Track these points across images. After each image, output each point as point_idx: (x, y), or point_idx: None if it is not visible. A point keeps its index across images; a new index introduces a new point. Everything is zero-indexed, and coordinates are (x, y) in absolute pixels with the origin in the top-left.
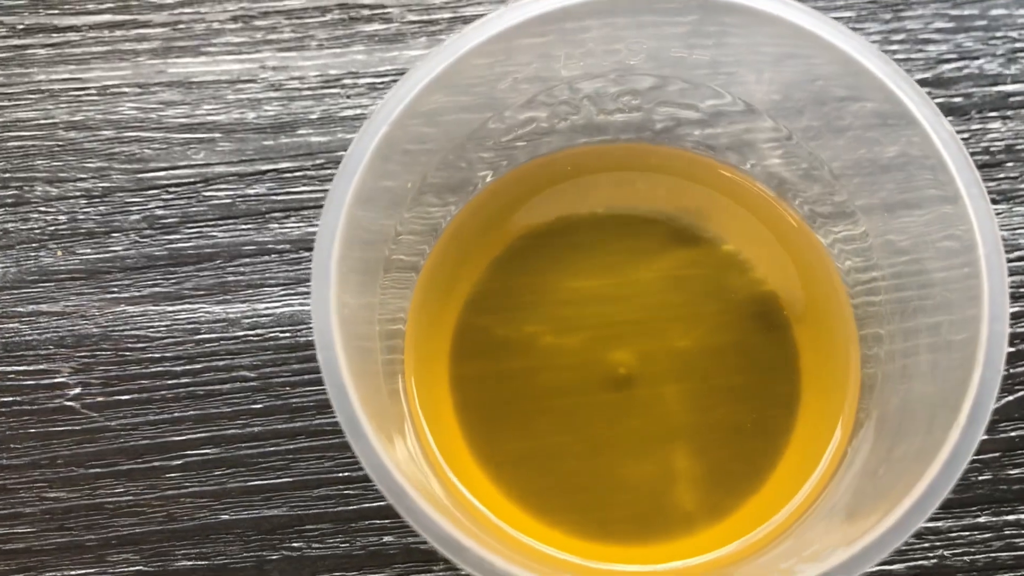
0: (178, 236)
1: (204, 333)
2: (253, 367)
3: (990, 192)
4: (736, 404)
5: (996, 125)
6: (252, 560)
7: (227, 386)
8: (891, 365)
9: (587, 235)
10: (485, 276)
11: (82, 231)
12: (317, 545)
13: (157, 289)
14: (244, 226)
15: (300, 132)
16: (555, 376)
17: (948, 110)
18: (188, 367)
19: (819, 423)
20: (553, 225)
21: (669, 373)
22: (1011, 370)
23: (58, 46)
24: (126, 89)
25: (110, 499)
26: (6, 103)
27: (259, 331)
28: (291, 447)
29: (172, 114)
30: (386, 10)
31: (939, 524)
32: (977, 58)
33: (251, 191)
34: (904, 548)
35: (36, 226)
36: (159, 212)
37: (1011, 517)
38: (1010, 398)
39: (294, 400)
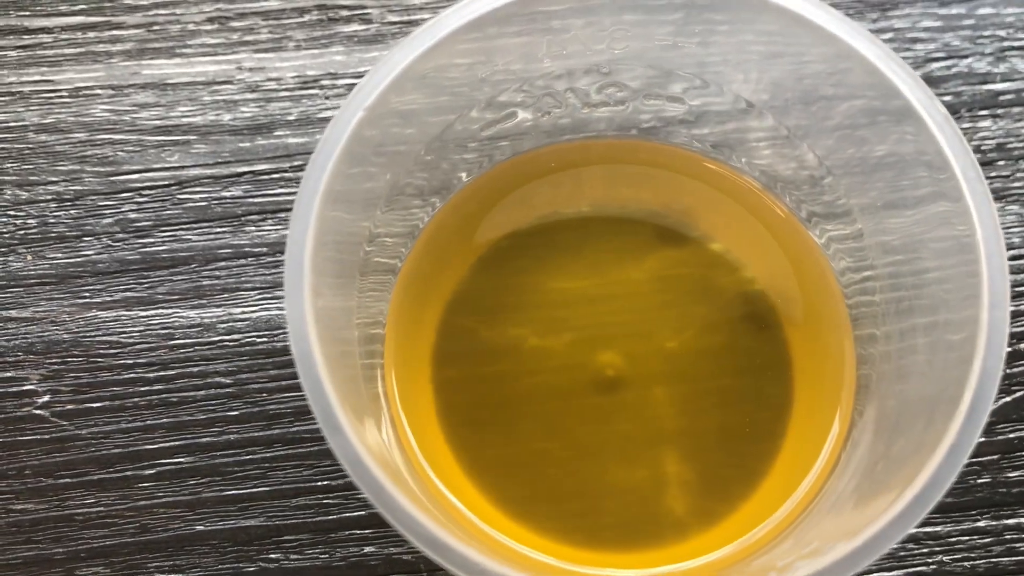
0: (152, 240)
1: (178, 338)
2: (229, 373)
3: None
4: (728, 406)
5: (986, 123)
6: (228, 572)
7: (202, 393)
8: (887, 365)
9: (572, 234)
10: (467, 277)
11: (53, 235)
12: (295, 556)
13: (130, 294)
14: (219, 229)
15: (277, 134)
16: (541, 379)
17: None
18: (161, 373)
19: (813, 424)
20: (537, 224)
21: (658, 375)
22: (1008, 371)
23: (29, 48)
24: (99, 91)
25: (80, 510)
26: None
27: (235, 336)
28: (268, 455)
29: (146, 116)
30: (365, 11)
31: (938, 529)
32: (966, 57)
33: (227, 193)
34: (903, 554)
35: (5, 230)
36: (132, 215)
37: (1011, 521)
38: (1008, 399)
39: (271, 407)
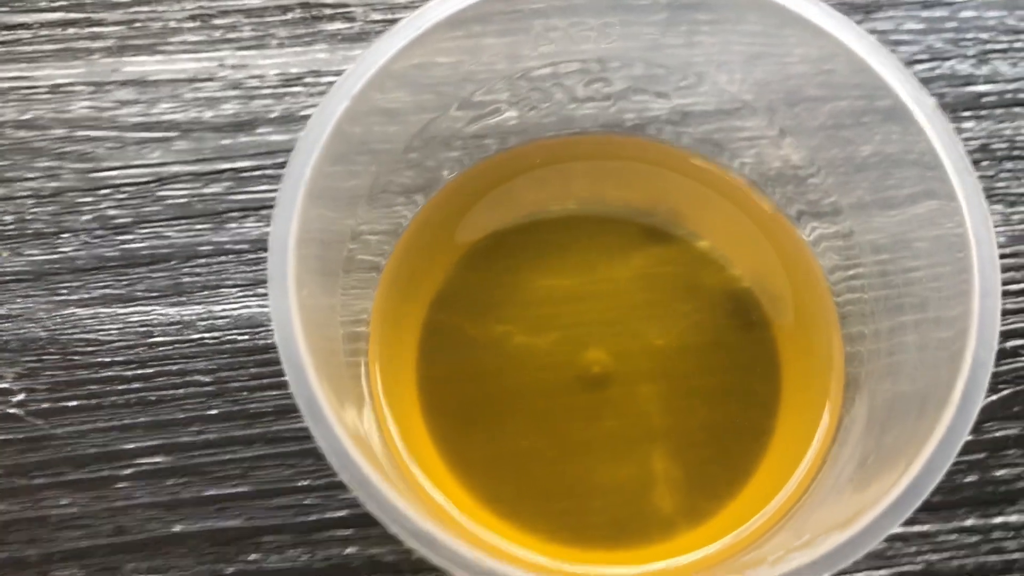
0: (131, 236)
1: (157, 336)
2: (209, 371)
3: None
4: (715, 404)
5: (970, 124)
6: (206, 573)
7: (181, 391)
8: (876, 362)
9: (558, 232)
10: (452, 274)
11: (29, 232)
12: (276, 557)
13: (108, 291)
14: (200, 226)
15: (260, 131)
16: (527, 377)
17: None
18: (140, 371)
19: (802, 421)
20: (522, 221)
21: (645, 373)
22: (995, 370)
23: (7, 44)
24: (79, 88)
25: (54, 511)
26: None
27: (215, 334)
28: (248, 455)
29: (126, 113)
30: (349, 9)
31: (926, 528)
32: (949, 59)
33: (208, 190)
34: (891, 553)
35: None
36: (111, 212)
37: (999, 520)
38: (994, 397)
39: (252, 405)
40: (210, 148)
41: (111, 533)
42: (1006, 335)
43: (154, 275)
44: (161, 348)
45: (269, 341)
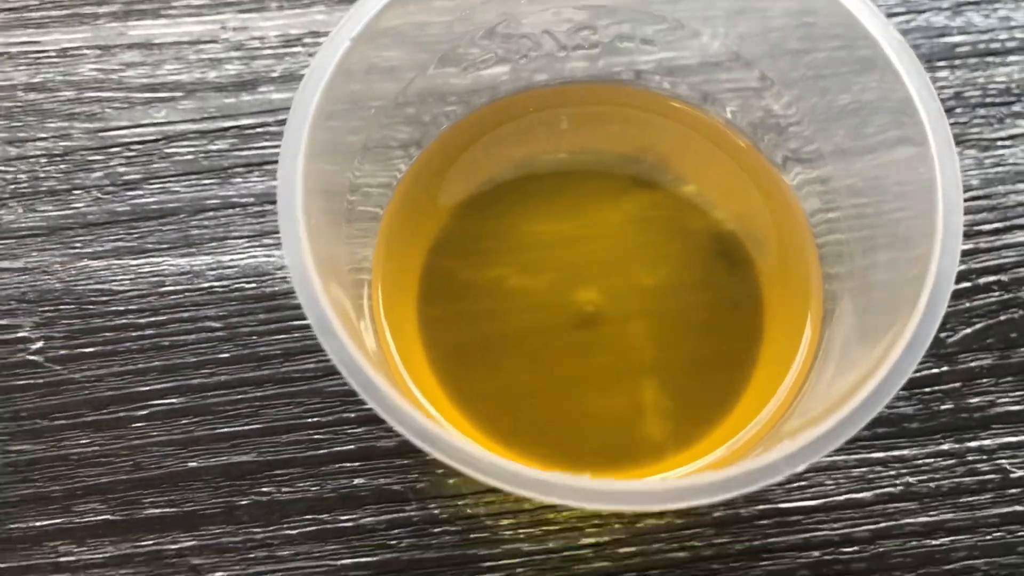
0: (141, 192)
1: (168, 285)
2: (219, 317)
3: None
4: (702, 338)
5: (944, 74)
6: (221, 506)
7: (192, 336)
8: (852, 297)
9: (550, 178)
10: (448, 222)
11: (43, 189)
12: (287, 489)
13: (120, 244)
14: (207, 181)
15: (261, 90)
16: (522, 317)
17: None
18: (152, 319)
19: (783, 352)
20: (515, 169)
21: (635, 311)
22: (969, 304)
23: (15, 11)
24: (86, 51)
25: (75, 450)
26: None
27: (224, 282)
28: (259, 395)
29: (133, 75)
30: None
31: (904, 452)
32: (924, 11)
33: (213, 147)
34: (871, 476)
35: None
36: (121, 169)
37: (973, 444)
38: (968, 331)
39: (261, 349)
40: (214, 107)
41: (130, 469)
42: (979, 272)
43: (164, 228)
44: (172, 296)
45: (277, 288)
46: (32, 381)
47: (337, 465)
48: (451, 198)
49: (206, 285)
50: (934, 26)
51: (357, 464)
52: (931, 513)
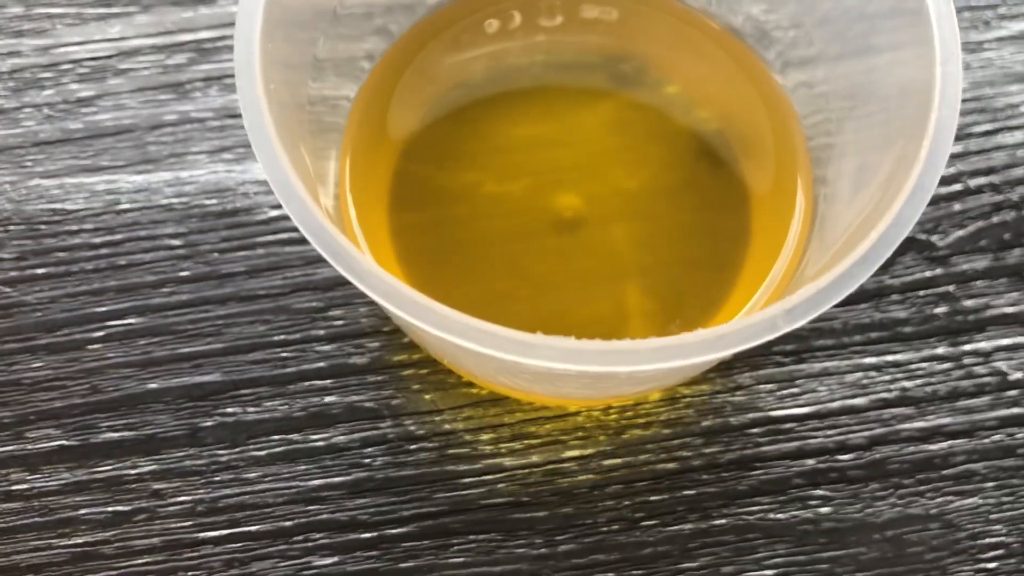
0: (95, 109)
1: (124, 204)
2: (178, 235)
3: None
4: (687, 241)
5: None
6: (184, 428)
7: (150, 255)
8: (838, 202)
9: (525, 79)
10: (418, 126)
11: None
12: (253, 409)
13: (74, 162)
14: (164, 97)
15: (220, 2)
16: (500, 223)
17: None
18: (108, 238)
19: (769, 253)
20: (488, 69)
21: (617, 214)
22: (960, 206)
23: None
24: None
25: (27, 374)
26: None
27: (184, 199)
28: (222, 313)
29: None
30: None
31: (899, 357)
32: None
33: (171, 62)
34: (865, 382)
35: None
36: (74, 87)
37: (968, 347)
38: (961, 233)
39: (223, 266)
40: (171, 21)
41: (85, 393)
42: (970, 174)
43: (119, 145)
44: (129, 215)
45: (238, 205)
46: None
47: (307, 383)
48: (419, 102)
49: (164, 202)
50: None
51: (328, 382)
52: (928, 418)
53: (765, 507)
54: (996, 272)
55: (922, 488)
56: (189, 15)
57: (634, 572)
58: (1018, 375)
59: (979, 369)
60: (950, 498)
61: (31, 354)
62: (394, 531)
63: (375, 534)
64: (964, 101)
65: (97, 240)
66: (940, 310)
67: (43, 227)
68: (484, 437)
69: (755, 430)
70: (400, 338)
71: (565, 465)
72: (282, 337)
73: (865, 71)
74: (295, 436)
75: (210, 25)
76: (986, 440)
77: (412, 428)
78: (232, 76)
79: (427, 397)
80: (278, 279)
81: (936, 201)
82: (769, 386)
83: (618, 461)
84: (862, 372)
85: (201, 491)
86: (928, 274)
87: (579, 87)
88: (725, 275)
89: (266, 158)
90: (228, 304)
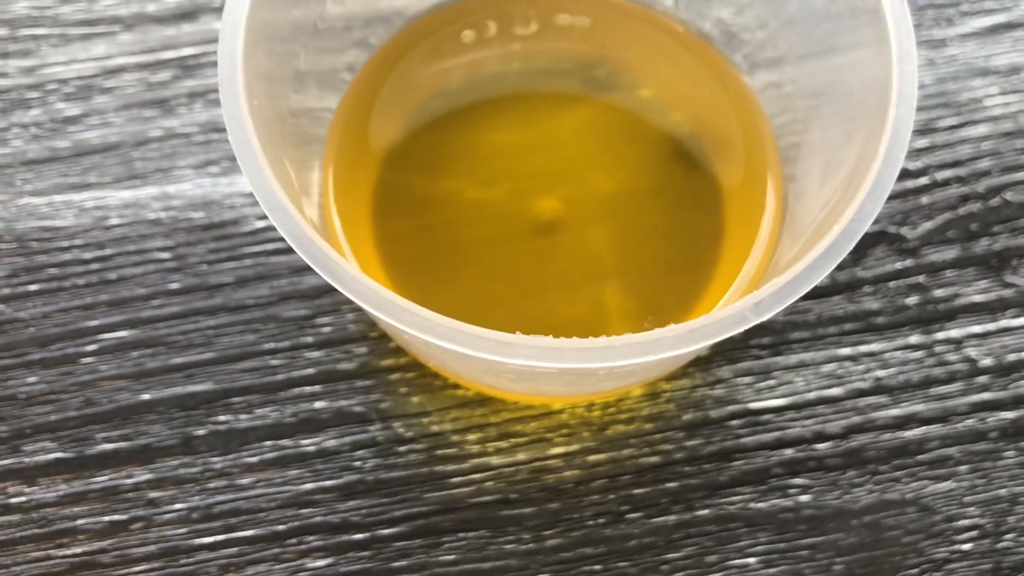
0: (81, 127)
1: (113, 219)
2: (167, 248)
3: None
4: (663, 241)
5: None
6: (177, 437)
7: (140, 269)
8: (807, 197)
9: (502, 87)
10: (399, 136)
11: None
12: (245, 417)
13: (62, 180)
14: (149, 113)
15: (202, 19)
16: (481, 227)
17: None
18: (98, 253)
19: (743, 251)
20: (465, 78)
21: (595, 216)
22: (928, 199)
23: None
24: None
25: (22, 389)
26: None
27: (171, 213)
28: (212, 323)
29: (69, 11)
30: None
31: (872, 347)
32: None
33: (155, 79)
34: (840, 372)
35: None
36: (60, 105)
37: (940, 335)
38: (929, 225)
39: (212, 277)
40: (154, 39)
41: (80, 406)
42: (936, 167)
43: (107, 162)
44: (118, 230)
45: (225, 217)
46: None
47: (296, 390)
48: (399, 112)
49: (152, 216)
50: None
51: (317, 388)
52: (903, 405)
53: (746, 497)
54: (964, 262)
55: (898, 474)
56: (172, 33)
57: (620, 564)
58: (988, 361)
59: (950, 357)
60: (925, 482)
61: (26, 369)
62: (386, 531)
63: (367, 535)
64: (929, 96)
65: (87, 255)
66: (911, 300)
67: (34, 244)
68: (471, 437)
69: (734, 422)
70: (387, 343)
71: (551, 462)
72: (271, 345)
73: (829, 70)
74: (286, 442)
75: (193, 42)
76: (959, 425)
77: (401, 430)
78: (216, 91)
79: (414, 400)
80: (266, 289)
81: (904, 194)
82: (747, 379)
83: (602, 456)
84: (837, 363)
85: (196, 498)
86: (899, 265)
87: (555, 93)
88: (700, 273)
89: (251, 171)
90: (218, 314)
